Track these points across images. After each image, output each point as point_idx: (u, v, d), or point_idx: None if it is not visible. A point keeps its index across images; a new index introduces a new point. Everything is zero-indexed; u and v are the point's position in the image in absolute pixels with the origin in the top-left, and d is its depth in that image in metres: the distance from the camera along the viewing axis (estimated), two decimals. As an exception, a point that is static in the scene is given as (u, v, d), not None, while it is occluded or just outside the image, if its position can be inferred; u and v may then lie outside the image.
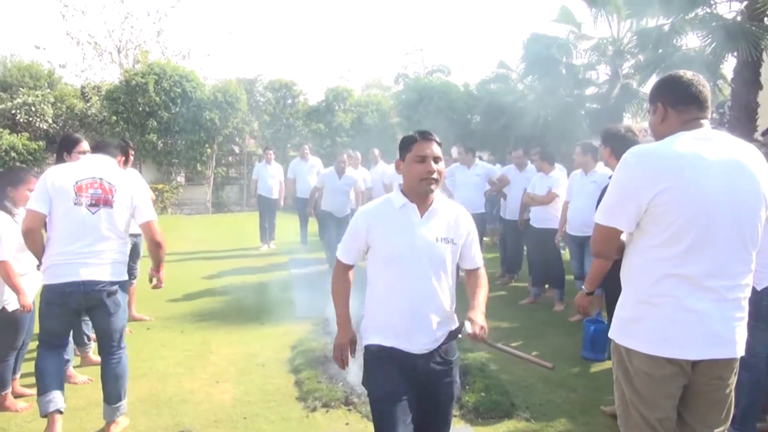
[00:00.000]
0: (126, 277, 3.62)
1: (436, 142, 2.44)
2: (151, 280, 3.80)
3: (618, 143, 3.88)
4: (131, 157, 4.82)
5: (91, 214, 3.38)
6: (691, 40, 12.11)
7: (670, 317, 2.06)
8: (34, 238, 3.39)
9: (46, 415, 3.35)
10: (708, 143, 2.08)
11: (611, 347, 2.30)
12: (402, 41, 59.76)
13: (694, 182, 2.02)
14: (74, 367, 4.45)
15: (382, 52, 57.30)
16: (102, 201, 3.42)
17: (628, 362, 2.18)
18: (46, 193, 3.36)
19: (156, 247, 3.63)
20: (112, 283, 3.44)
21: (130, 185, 3.57)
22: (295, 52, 53.54)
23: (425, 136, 2.42)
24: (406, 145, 2.45)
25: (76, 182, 3.40)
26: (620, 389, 2.26)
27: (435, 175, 2.38)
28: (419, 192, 2.42)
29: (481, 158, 9.06)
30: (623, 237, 2.25)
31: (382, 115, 19.05)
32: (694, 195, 2.02)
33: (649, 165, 2.08)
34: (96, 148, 3.83)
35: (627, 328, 2.20)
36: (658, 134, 2.23)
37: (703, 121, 2.16)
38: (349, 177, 8.31)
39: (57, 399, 3.38)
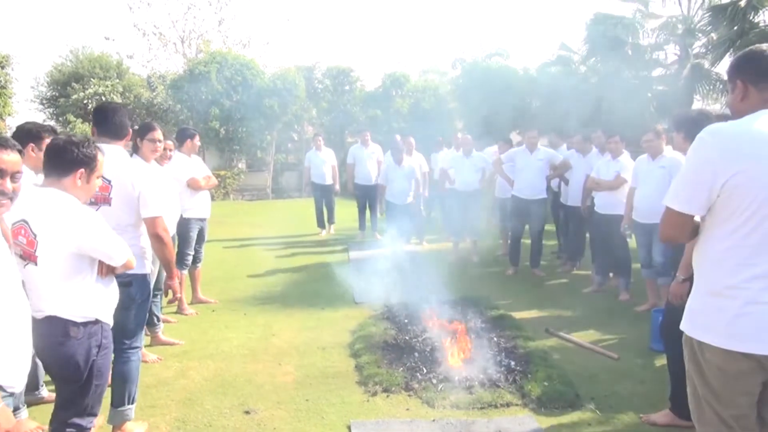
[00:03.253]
0: (146, 271, 3.43)
1: None
2: None
3: (693, 128, 3.68)
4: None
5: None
6: (770, 16, 11.43)
7: (744, 310, 1.94)
8: None
9: None
10: None
11: (683, 339, 2.19)
12: (460, 25, 58.94)
13: None
14: (145, 347, 4.63)
15: (439, 37, 56.71)
16: (101, 199, 3.26)
17: (701, 355, 2.07)
18: None
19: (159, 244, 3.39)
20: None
21: (131, 177, 3.30)
22: (353, 38, 53.65)
23: None
24: None
25: None
26: (692, 384, 2.15)
27: None
28: None
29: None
30: (697, 219, 2.12)
31: (440, 100, 18.88)
32: None
33: (726, 144, 1.94)
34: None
35: (699, 320, 2.09)
36: (738, 114, 2.08)
37: None
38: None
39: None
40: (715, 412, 2.05)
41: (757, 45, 2.13)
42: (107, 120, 3.41)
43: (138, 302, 3.35)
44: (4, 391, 2.07)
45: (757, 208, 1.90)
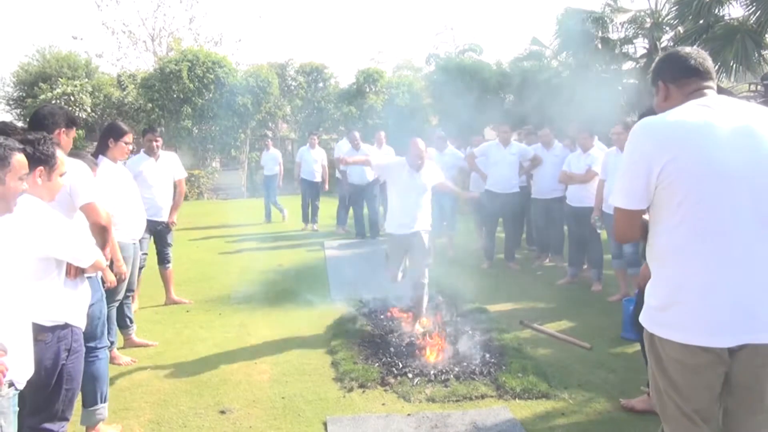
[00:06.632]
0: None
1: None
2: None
3: None
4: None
5: None
6: (734, 10, 11.69)
7: (698, 302, 1.94)
8: None
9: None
10: (717, 110, 1.97)
11: (644, 334, 2.19)
12: (433, 21, 59.01)
13: (704, 150, 1.91)
14: (118, 349, 4.57)
15: (412, 33, 56.72)
16: None
17: (661, 350, 2.06)
18: None
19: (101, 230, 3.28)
20: None
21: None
22: (326, 34, 53.46)
23: None
24: None
25: None
26: (654, 378, 2.14)
27: None
28: None
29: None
30: (645, 216, 2.12)
31: (414, 96, 18.91)
32: (705, 165, 1.90)
33: (658, 133, 1.97)
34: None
35: (656, 315, 2.08)
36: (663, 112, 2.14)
37: (707, 90, 2.06)
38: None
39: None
40: (677, 406, 2.05)
41: (673, 48, 2.22)
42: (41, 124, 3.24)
43: (92, 303, 3.22)
44: (16, 388, 2.19)
45: (696, 198, 1.90)
